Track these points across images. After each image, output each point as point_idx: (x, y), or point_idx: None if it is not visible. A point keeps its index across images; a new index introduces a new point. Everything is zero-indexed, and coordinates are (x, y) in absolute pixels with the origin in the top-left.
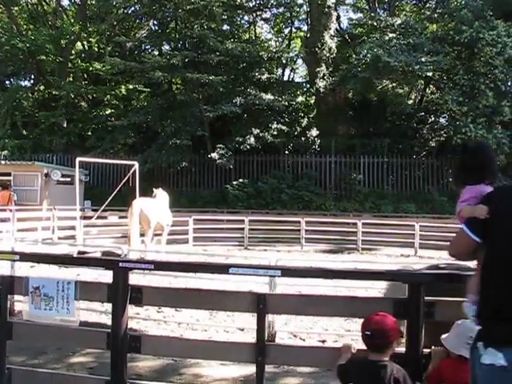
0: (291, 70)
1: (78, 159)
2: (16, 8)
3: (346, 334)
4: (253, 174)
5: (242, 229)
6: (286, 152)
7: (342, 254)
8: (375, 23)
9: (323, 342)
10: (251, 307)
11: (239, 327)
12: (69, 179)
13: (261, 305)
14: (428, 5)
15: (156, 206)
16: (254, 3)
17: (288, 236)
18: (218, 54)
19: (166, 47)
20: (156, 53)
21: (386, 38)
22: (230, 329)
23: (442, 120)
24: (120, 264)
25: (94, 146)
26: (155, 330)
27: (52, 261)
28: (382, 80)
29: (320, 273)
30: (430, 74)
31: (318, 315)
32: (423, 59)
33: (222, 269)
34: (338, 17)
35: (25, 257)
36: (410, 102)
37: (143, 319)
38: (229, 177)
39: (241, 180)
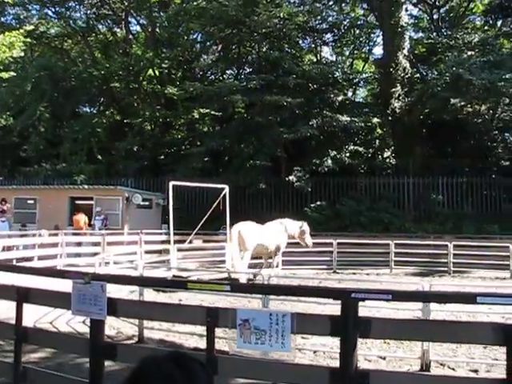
0: (353, 92)
1: (171, 183)
2: (91, 38)
3: (496, 362)
4: (329, 196)
5: (329, 252)
6: (363, 173)
7: (433, 277)
8: (452, 42)
9: (476, 371)
10: (498, 339)
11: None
12: (147, 203)
13: None
14: (500, 21)
15: (258, 230)
16: (326, 25)
17: (374, 259)
18: (294, 76)
19: (229, 72)
20: (225, 76)
21: (465, 56)
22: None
23: None
24: (352, 295)
25: (168, 170)
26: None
27: (271, 292)
28: (462, 98)
29: None
30: None
31: None
32: (507, 76)
33: (468, 298)
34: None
35: (236, 288)
36: (491, 119)
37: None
38: (305, 199)
39: (318, 202)
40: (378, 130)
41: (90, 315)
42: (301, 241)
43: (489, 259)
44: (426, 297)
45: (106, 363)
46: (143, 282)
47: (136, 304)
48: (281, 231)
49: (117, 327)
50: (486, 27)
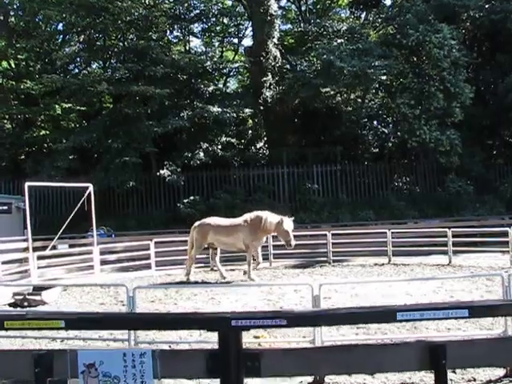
0: (223, 83)
1: (27, 184)
2: None
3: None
4: (203, 190)
5: (205, 248)
6: (237, 165)
7: (313, 267)
8: (321, 30)
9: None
10: (425, 363)
11: None
12: (6, 207)
13: (442, 360)
14: (364, 13)
15: (216, 224)
16: (194, 14)
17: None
18: (162, 66)
19: (95, 65)
20: (90, 70)
21: (335, 44)
22: None
23: (393, 124)
24: (232, 322)
25: (32, 171)
26: None
27: (124, 325)
28: (333, 86)
29: None
30: (384, 77)
31: None
32: (376, 63)
33: (388, 315)
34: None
35: (74, 323)
36: (361, 107)
37: None
38: (178, 195)
39: (192, 197)
40: (250, 121)
41: None
42: (280, 237)
43: (367, 246)
44: (335, 318)
45: None
46: None
47: None
48: (246, 225)
49: None
50: (351, 19)
